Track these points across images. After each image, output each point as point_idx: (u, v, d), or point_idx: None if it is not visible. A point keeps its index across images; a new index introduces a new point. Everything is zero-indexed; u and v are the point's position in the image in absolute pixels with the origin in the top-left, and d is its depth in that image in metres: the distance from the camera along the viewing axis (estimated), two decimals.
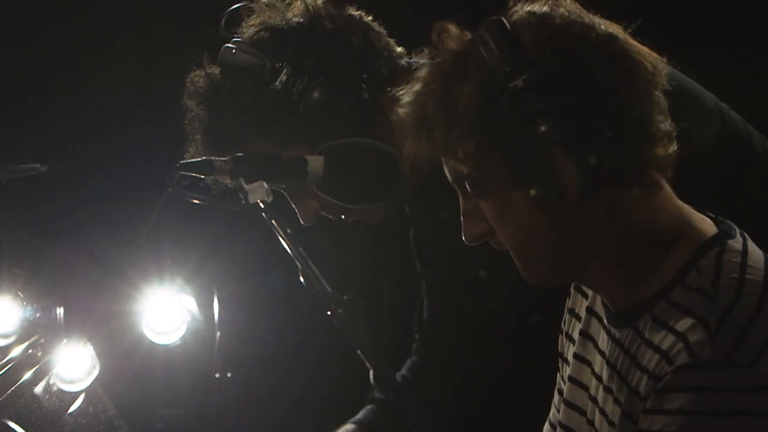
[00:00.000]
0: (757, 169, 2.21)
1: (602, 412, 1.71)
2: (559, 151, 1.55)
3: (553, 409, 1.94)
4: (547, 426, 1.95)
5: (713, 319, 1.54)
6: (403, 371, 2.54)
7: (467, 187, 1.65)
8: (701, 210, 1.70)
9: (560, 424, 1.85)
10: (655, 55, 1.62)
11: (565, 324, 1.89)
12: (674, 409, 1.53)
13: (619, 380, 1.66)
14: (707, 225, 1.67)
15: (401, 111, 1.67)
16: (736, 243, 1.65)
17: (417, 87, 1.64)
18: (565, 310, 1.89)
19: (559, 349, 1.90)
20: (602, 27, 1.61)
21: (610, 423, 1.69)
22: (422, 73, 1.65)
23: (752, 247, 1.66)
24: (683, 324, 1.57)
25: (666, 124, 1.61)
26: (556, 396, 1.92)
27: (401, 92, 1.67)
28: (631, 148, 1.58)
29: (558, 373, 1.92)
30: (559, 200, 1.58)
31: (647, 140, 1.59)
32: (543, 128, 1.54)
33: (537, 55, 1.56)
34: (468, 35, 1.63)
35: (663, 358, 1.57)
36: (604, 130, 1.55)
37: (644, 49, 1.62)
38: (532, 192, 1.58)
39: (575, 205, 1.58)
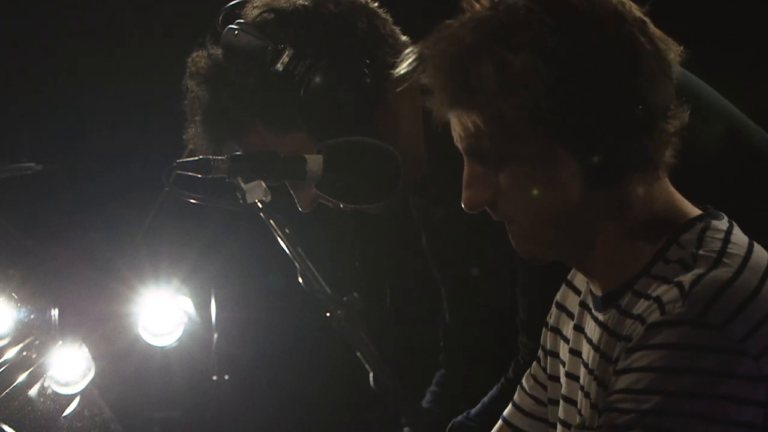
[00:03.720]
0: (762, 169, 2.19)
1: (587, 395, 1.71)
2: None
3: (518, 397, 1.93)
4: (509, 410, 1.94)
5: (688, 281, 1.56)
6: (433, 386, 2.55)
7: (489, 150, 1.65)
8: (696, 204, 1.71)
9: (559, 420, 1.84)
10: (672, 41, 1.64)
11: (551, 317, 1.89)
12: (642, 366, 1.54)
13: (601, 359, 1.67)
14: (693, 209, 1.69)
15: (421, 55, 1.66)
16: (721, 224, 1.66)
17: (452, 46, 1.62)
18: (553, 304, 1.89)
19: (541, 342, 1.90)
20: (633, 10, 1.63)
21: (588, 398, 1.70)
22: (454, 31, 1.63)
23: (737, 230, 1.67)
24: (660, 290, 1.58)
25: (675, 111, 1.63)
26: (519, 393, 1.93)
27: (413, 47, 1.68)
28: (646, 141, 1.61)
29: (534, 363, 1.92)
30: (576, 183, 1.61)
31: (660, 132, 1.61)
32: (583, 109, 1.57)
33: (593, 32, 1.58)
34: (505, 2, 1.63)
35: (637, 320, 1.59)
36: (632, 118, 1.58)
37: (662, 35, 1.64)
38: (565, 167, 1.60)
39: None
